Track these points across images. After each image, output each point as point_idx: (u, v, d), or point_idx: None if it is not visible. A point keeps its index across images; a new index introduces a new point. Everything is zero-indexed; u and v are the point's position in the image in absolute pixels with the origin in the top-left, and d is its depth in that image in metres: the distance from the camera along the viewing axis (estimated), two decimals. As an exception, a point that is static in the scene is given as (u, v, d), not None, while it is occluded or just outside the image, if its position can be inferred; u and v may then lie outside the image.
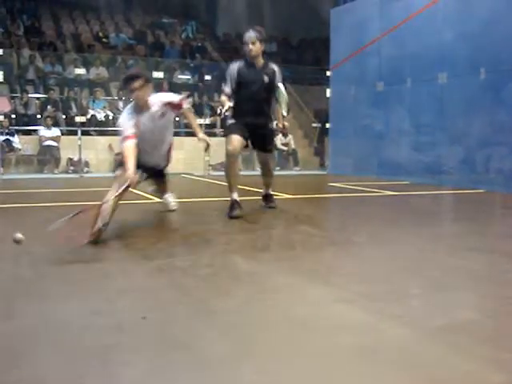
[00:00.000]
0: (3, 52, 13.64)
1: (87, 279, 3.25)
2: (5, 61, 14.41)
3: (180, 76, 16.61)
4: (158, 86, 15.48)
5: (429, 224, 5.65)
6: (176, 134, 14.28)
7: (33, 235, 4.72)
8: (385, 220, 5.91)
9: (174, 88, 15.72)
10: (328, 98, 13.47)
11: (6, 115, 13.08)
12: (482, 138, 9.12)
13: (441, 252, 4.21)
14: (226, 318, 2.57)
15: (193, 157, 13.46)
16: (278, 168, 14.05)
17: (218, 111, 5.78)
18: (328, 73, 13.38)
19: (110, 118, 14.21)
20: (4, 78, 13.45)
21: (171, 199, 6.15)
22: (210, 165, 13.51)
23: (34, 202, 7.12)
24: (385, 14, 11.39)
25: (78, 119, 12.93)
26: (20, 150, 12.90)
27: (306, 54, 18.76)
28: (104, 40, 17.67)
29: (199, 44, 19.03)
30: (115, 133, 14.21)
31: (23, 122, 13.55)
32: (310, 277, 3.35)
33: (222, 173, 13.21)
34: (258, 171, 13.85)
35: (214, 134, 14.34)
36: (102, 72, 15.60)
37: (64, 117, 13.96)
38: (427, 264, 3.76)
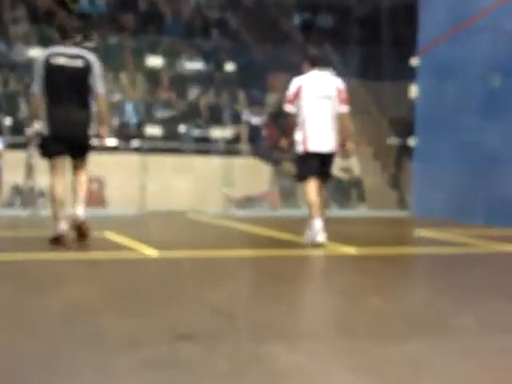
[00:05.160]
0: None
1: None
2: None
3: (187, 64, 16.74)
4: (154, 79, 15.70)
5: None
6: (178, 151, 14.44)
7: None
8: (502, 293, 5.84)
9: (177, 82, 15.80)
10: (413, 99, 13.49)
11: None
12: None
13: None
14: None
15: (205, 186, 13.56)
16: (334, 207, 13.97)
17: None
18: (413, 61, 13.42)
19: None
20: None
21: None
22: (231, 199, 13.53)
23: None
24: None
25: (32, 126, 13.04)
26: None
27: (377, 31, 18.68)
28: (71, 6, 17.87)
29: (217, 15, 19.30)
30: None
31: None
32: (386, 382, 3.36)
33: (250, 212, 13.45)
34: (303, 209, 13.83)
35: (237, 153, 14.48)
36: (68, 55, 15.80)
37: (9, 121, 14.17)
38: None
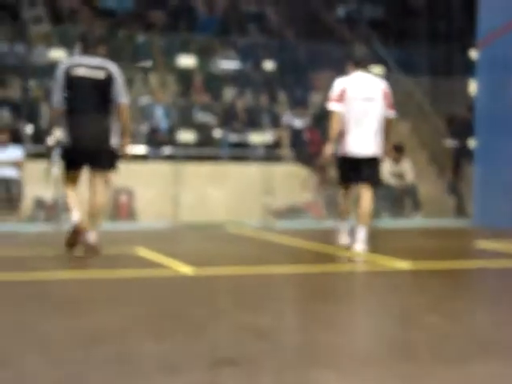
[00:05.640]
0: None
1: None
2: None
3: (222, 63, 16.74)
4: (186, 80, 15.72)
5: None
6: (214, 158, 14.55)
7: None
8: None
9: (212, 83, 15.79)
10: (472, 96, 13.37)
11: None
12: None
13: None
14: None
15: (243, 196, 13.56)
16: (386, 217, 13.93)
17: None
18: (473, 53, 13.30)
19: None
20: None
21: None
22: (272, 210, 13.48)
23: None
24: None
25: (52, 135, 13.11)
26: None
27: (433, 22, 18.74)
28: (95, 3, 18.04)
29: (254, 9, 19.29)
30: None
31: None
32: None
33: (292, 224, 13.38)
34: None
35: (278, 159, 14.40)
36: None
37: (30, 129, 14.25)
38: None
